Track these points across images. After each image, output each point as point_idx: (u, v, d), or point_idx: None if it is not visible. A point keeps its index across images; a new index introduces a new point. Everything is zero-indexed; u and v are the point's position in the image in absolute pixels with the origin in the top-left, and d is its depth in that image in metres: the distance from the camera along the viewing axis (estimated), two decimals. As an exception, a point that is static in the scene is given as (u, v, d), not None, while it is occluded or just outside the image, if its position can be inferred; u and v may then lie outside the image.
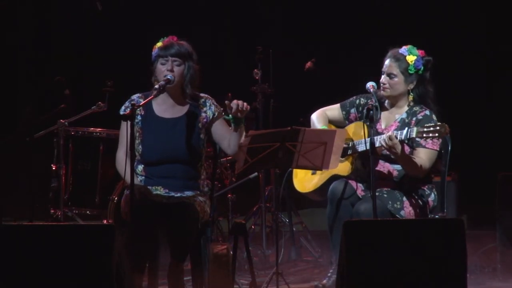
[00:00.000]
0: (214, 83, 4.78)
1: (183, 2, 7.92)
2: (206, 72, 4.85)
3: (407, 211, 4.87)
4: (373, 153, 4.61)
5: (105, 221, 6.03)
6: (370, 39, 7.44)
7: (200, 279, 4.62)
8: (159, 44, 4.74)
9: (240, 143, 4.53)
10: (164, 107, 4.77)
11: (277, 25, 7.99)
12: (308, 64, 6.53)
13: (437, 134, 4.58)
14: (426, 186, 4.97)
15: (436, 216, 4.99)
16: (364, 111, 4.72)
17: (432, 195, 4.97)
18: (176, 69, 4.69)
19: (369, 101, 4.87)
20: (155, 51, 4.74)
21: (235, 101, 4.53)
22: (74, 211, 6.27)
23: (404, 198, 4.90)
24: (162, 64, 4.70)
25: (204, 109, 4.77)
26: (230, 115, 4.58)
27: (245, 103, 4.54)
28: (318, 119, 5.19)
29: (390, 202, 4.86)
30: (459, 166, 6.26)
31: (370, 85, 4.92)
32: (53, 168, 6.14)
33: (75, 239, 3.77)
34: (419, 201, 4.92)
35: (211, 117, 4.76)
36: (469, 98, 7.63)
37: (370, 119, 4.63)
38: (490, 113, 7.68)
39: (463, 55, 7.65)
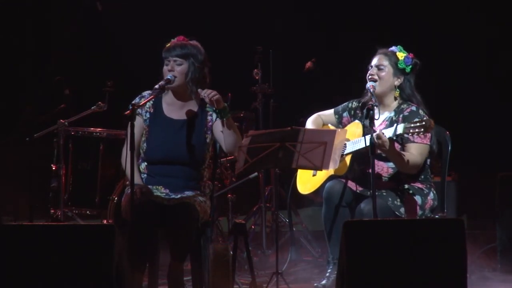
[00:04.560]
0: (214, 83, 4.78)
1: (183, 1, 7.91)
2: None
3: (407, 208, 4.88)
4: (373, 153, 4.60)
5: (105, 221, 6.03)
6: (371, 39, 7.42)
7: (200, 279, 4.62)
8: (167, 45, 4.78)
9: (241, 142, 4.54)
10: (173, 108, 4.78)
11: (277, 25, 7.98)
12: (308, 64, 6.53)
13: (422, 129, 4.57)
14: (424, 185, 4.98)
15: (436, 216, 4.99)
16: (364, 111, 4.73)
17: (431, 194, 4.97)
18: (177, 68, 4.70)
19: (369, 101, 4.87)
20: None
21: (205, 90, 4.57)
22: (74, 211, 6.27)
23: (403, 196, 4.91)
24: (166, 65, 4.74)
25: (210, 112, 4.77)
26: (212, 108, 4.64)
27: (212, 92, 4.56)
28: (312, 124, 5.24)
29: (390, 199, 4.87)
30: (459, 166, 6.25)
31: (370, 85, 4.94)
32: (53, 168, 6.14)
33: (75, 239, 3.77)
34: (418, 199, 4.92)
35: (215, 119, 4.77)
36: (469, 98, 7.63)
37: (370, 119, 4.63)
38: (490, 113, 7.67)
39: (463, 55, 7.64)
